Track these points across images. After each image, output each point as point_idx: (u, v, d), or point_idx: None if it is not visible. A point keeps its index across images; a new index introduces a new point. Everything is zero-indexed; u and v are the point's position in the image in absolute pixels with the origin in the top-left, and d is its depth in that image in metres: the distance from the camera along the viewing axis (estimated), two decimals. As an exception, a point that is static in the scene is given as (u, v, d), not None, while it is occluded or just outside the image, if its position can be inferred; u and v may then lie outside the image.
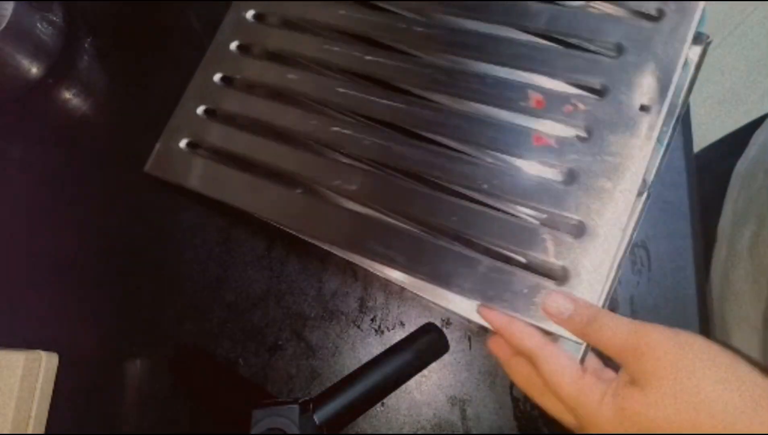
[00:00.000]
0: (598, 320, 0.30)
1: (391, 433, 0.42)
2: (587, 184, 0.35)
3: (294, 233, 0.41)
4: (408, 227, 0.38)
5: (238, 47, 0.47)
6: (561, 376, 0.30)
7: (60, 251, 0.48)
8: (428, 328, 0.41)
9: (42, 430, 0.43)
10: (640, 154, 0.35)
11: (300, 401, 0.37)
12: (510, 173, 0.37)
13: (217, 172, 0.43)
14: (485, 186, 0.37)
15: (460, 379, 0.42)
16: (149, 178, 0.49)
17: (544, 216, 0.36)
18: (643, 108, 0.36)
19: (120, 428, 0.43)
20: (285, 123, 0.43)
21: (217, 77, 0.46)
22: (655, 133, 0.35)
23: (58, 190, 0.50)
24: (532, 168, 0.37)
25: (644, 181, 0.35)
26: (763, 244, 0.41)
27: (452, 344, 0.42)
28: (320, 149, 0.42)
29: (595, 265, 0.33)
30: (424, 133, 0.40)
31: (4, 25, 0.47)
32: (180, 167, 0.44)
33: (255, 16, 0.48)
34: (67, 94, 0.52)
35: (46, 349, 0.44)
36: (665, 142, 0.37)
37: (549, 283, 0.34)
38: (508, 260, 0.36)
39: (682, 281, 0.43)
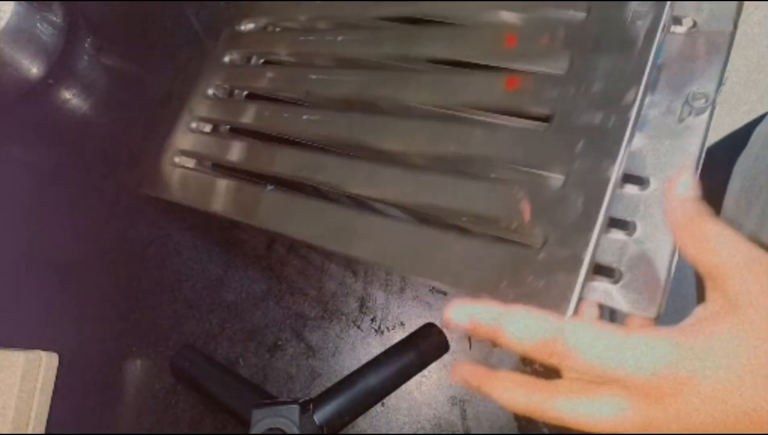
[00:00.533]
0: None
1: (391, 433, 0.42)
2: (570, 125, 0.29)
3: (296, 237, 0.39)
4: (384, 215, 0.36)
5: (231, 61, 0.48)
6: (600, 342, 0.23)
7: (60, 251, 0.48)
8: (428, 328, 0.41)
9: (42, 430, 0.43)
10: (635, 72, 0.28)
11: (300, 401, 0.37)
12: (482, 129, 0.33)
13: (210, 184, 0.43)
14: (452, 148, 0.33)
15: (460, 379, 0.42)
16: (149, 178, 0.49)
17: (524, 173, 0.31)
18: (636, 16, 0.29)
19: (120, 428, 0.43)
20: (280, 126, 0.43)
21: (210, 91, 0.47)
22: (654, 45, 0.28)
23: (58, 190, 0.50)
24: (506, 119, 0.33)
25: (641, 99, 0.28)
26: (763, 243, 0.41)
27: (452, 344, 0.42)
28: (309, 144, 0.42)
29: (582, 216, 0.28)
30: (388, 102, 0.38)
31: (3, 25, 0.47)
32: (174, 184, 0.44)
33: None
34: (67, 94, 0.52)
35: (46, 349, 0.44)
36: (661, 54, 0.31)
37: (528, 252, 0.29)
38: (482, 233, 0.31)
39: (682, 281, 0.43)
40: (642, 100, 0.28)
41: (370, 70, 0.40)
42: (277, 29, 0.48)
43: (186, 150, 0.46)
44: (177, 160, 0.46)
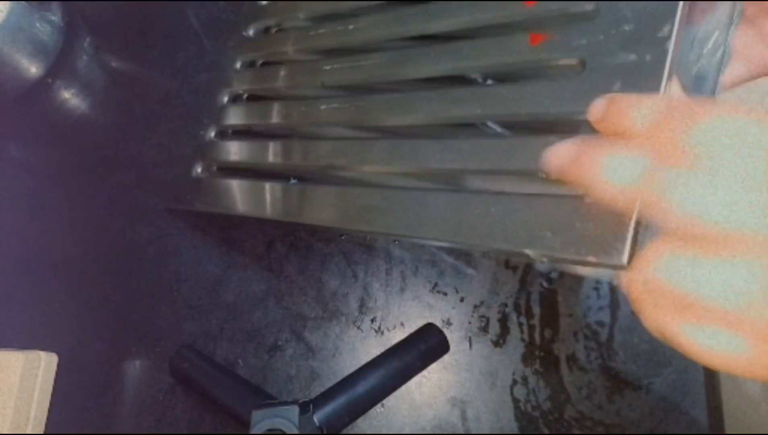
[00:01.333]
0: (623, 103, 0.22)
1: (391, 433, 0.42)
2: (604, 67, 0.27)
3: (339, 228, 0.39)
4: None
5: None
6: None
7: (60, 251, 0.48)
8: (428, 328, 0.41)
9: (41, 430, 0.43)
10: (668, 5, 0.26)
11: (300, 402, 0.37)
12: (509, 87, 0.31)
13: (243, 187, 0.42)
14: (478, 111, 0.31)
15: (461, 380, 0.42)
16: (149, 178, 0.49)
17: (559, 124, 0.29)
18: None
19: (120, 428, 0.43)
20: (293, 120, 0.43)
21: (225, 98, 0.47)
22: None
23: (58, 190, 0.49)
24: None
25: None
26: None
27: (452, 345, 0.42)
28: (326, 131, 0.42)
29: None
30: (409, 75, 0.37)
31: (3, 25, 0.47)
32: (206, 194, 0.44)
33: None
34: (67, 94, 0.52)
35: (46, 349, 0.44)
36: None
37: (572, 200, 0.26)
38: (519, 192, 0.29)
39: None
40: (679, 33, 0.26)
41: (385, 51, 0.39)
42: (282, 29, 0.48)
43: (210, 158, 0.45)
44: (199, 170, 0.45)
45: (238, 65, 0.48)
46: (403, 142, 0.35)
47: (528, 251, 0.27)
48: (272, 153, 0.42)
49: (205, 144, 0.46)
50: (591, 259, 0.24)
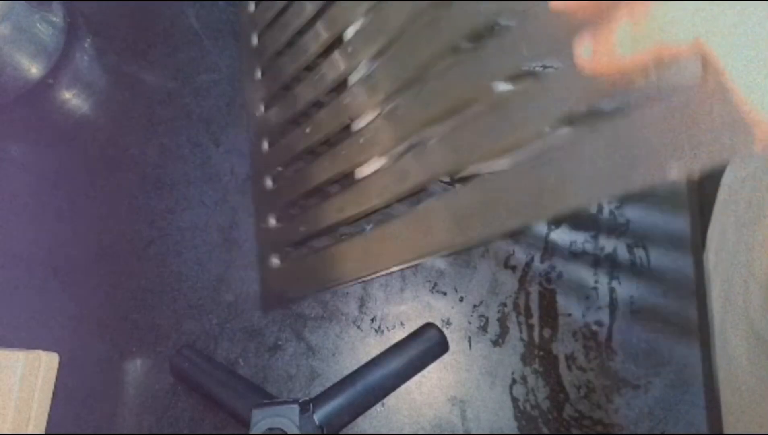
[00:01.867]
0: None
1: (391, 433, 0.42)
2: None
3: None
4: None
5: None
6: None
7: (60, 251, 0.48)
8: (428, 329, 0.41)
9: (42, 430, 0.43)
10: None
11: (300, 401, 0.37)
12: None
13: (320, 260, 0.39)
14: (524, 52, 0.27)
15: (460, 380, 0.42)
16: (149, 178, 0.49)
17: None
18: None
19: (120, 428, 0.43)
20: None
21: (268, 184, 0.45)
22: None
23: (58, 190, 0.50)
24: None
25: None
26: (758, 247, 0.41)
27: (452, 344, 0.42)
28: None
29: None
30: None
31: (3, 25, 0.47)
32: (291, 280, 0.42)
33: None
34: (67, 94, 0.52)
35: (46, 349, 0.44)
36: None
37: None
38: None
39: (682, 281, 0.43)
40: None
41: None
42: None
43: (281, 245, 0.43)
44: (277, 261, 0.43)
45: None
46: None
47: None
48: (334, 209, 0.39)
49: (271, 234, 0.43)
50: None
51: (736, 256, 0.46)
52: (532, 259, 0.44)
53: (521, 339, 0.43)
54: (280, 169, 0.45)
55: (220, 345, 0.44)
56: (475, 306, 0.44)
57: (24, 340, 0.45)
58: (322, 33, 0.42)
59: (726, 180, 0.51)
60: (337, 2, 0.40)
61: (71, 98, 0.52)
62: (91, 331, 0.46)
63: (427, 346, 0.40)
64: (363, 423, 0.42)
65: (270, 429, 0.35)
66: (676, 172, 0.24)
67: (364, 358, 0.40)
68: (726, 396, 0.40)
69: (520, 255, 0.44)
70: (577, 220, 0.45)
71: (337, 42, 0.41)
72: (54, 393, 0.44)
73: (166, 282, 0.46)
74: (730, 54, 0.20)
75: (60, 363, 0.45)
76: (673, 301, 0.43)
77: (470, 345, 0.43)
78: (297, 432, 0.35)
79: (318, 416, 0.37)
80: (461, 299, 0.44)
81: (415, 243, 0.31)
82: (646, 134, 0.25)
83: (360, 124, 0.38)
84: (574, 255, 0.44)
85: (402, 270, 0.45)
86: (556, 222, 0.45)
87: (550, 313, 0.43)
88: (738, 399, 0.40)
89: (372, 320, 0.44)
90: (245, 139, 0.49)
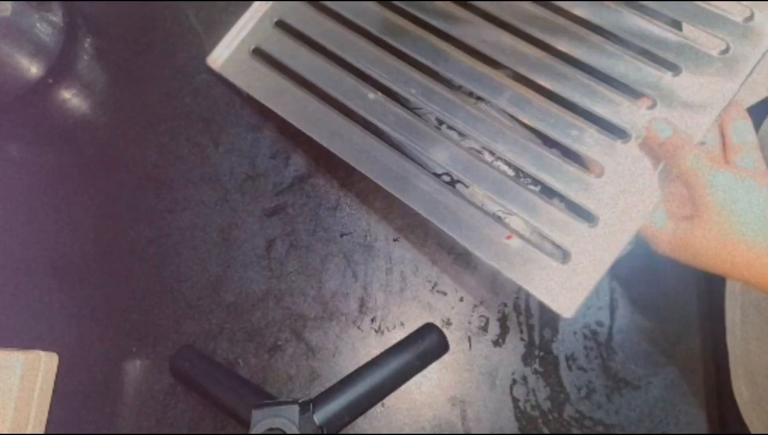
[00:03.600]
0: (685, 149, 0.35)
1: (391, 433, 0.42)
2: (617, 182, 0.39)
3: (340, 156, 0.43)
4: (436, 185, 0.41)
5: None
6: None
7: (60, 251, 0.48)
8: (428, 329, 0.41)
9: (42, 430, 0.43)
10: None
11: (300, 401, 0.37)
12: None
13: (277, 84, 0.47)
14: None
15: (461, 380, 0.42)
16: (149, 178, 0.49)
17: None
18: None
19: (120, 428, 0.43)
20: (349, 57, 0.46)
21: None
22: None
23: (58, 190, 0.50)
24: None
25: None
26: None
27: (452, 344, 0.42)
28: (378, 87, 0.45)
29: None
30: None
31: (3, 25, 0.47)
32: (243, 71, 0.48)
33: None
34: (67, 94, 0.52)
35: (46, 349, 0.44)
36: None
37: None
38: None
39: (682, 281, 0.43)
40: None
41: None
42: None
43: (263, 49, 0.48)
44: (251, 53, 0.49)
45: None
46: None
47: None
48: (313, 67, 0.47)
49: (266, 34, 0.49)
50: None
51: None
52: (532, 259, 0.44)
53: (522, 339, 0.43)
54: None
55: (220, 345, 0.44)
56: (475, 306, 0.44)
57: (24, 340, 0.45)
58: None
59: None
60: None
61: (71, 98, 0.52)
62: (91, 331, 0.46)
63: (427, 346, 0.40)
64: (363, 423, 0.42)
65: (270, 429, 0.35)
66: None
67: (364, 358, 0.40)
68: (740, 389, 0.40)
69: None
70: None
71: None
72: (54, 393, 0.44)
73: (166, 282, 0.46)
74: None
75: (60, 363, 0.45)
76: (673, 301, 0.43)
77: (470, 345, 0.43)
78: (297, 432, 0.35)
79: (318, 416, 0.37)
80: (461, 299, 0.44)
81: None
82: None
83: None
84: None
85: (402, 270, 0.45)
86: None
87: (550, 313, 0.43)
88: (754, 392, 0.39)
89: (372, 320, 0.44)
90: (245, 139, 0.49)
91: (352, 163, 0.43)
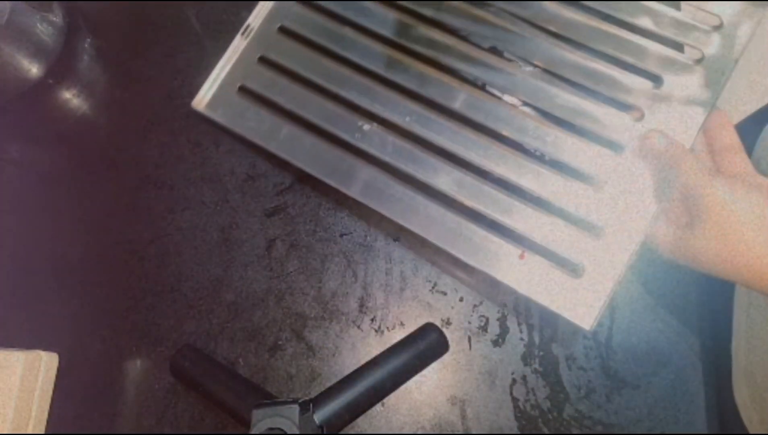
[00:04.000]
0: (683, 158, 0.36)
1: (391, 433, 0.42)
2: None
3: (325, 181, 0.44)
4: (430, 202, 0.43)
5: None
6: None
7: (60, 251, 0.48)
8: (428, 328, 0.41)
9: (42, 430, 0.43)
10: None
11: (300, 401, 0.37)
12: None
13: (270, 122, 0.47)
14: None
15: (460, 379, 0.42)
16: (149, 178, 0.49)
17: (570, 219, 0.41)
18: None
19: (120, 428, 0.43)
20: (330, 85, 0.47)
21: (275, 28, 0.49)
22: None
23: (58, 190, 0.50)
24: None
25: None
26: None
27: (452, 344, 0.42)
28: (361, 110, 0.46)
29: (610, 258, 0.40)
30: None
31: (3, 25, 0.47)
32: (231, 111, 0.48)
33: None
34: (67, 94, 0.52)
35: (46, 349, 0.44)
36: None
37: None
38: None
39: (682, 281, 0.43)
40: None
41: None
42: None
43: (248, 86, 0.48)
44: (237, 92, 0.48)
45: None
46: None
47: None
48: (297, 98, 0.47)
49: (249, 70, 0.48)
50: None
51: None
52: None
53: (521, 339, 0.43)
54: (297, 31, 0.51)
55: (220, 344, 0.44)
56: (475, 306, 0.44)
57: (24, 340, 0.45)
58: None
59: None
60: None
61: (71, 98, 0.52)
62: (91, 331, 0.46)
63: (427, 346, 0.40)
64: (363, 423, 0.42)
65: (270, 429, 0.35)
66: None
67: (364, 358, 0.40)
68: (741, 388, 0.40)
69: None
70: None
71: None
72: (54, 393, 0.44)
73: (166, 282, 0.46)
74: None
75: (60, 363, 0.45)
76: (672, 301, 0.43)
77: (470, 345, 0.43)
78: (297, 432, 0.35)
79: (318, 416, 0.37)
80: (461, 299, 0.44)
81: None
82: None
83: None
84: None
85: (402, 270, 0.45)
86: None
87: (549, 313, 0.43)
88: (756, 390, 0.39)
89: (372, 320, 0.44)
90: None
91: (357, 198, 0.43)
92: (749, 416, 0.39)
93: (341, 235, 0.46)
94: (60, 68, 0.52)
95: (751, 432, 0.38)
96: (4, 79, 0.50)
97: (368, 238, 0.46)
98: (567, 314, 0.39)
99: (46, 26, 0.51)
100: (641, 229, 0.39)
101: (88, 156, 0.50)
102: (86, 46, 0.53)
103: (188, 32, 0.52)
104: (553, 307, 0.39)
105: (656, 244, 0.38)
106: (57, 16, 0.52)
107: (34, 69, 0.51)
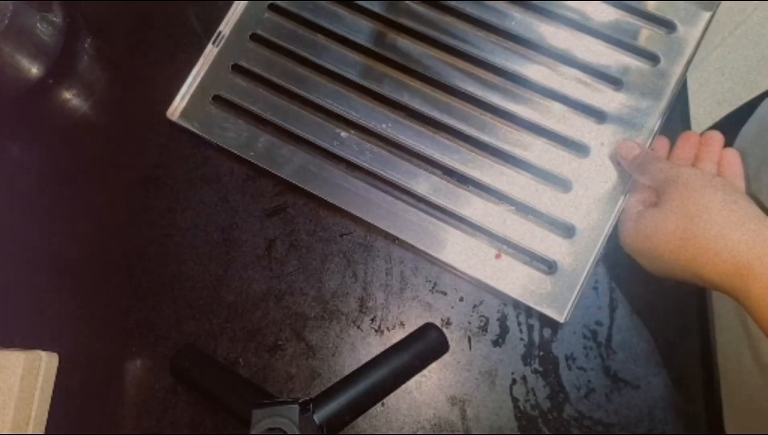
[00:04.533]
0: (652, 161, 0.40)
1: (391, 433, 0.42)
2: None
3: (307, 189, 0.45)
4: (407, 205, 0.44)
5: (269, 7, 0.50)
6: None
7: (60, 251, 0.48)
8: (428, 328, 0.41)
9: (42, 430, 0.43)
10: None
11: (300, 401, 0.37)
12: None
13: (246, 131, 0.47)
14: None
15: (460, 379, 0.42)
16: (149, 178, 0.49)
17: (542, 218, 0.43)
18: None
19: (120, 428, 0.43)
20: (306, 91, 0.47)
21: (247, 36, 0.49)
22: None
23: (58, 190, 0.50)
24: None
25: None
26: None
27: (452, 344, 0.43)
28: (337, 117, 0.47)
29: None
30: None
31: (4, 25, 0.47)
32: (206, 121, 0.48)
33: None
34: (67, 94, 0.52)
35: (46, 349, 0.44)
36: None
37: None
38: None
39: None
40: None
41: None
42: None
43: (222, 95, 0.48)
44: (211, 101, 0.48)
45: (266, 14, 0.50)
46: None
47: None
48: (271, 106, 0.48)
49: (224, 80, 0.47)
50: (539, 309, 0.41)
51: None
52: (532, 259, 0.44)
53: (521, 339, 0.43)
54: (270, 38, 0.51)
55: (220, 344, 0.44)
56: (475, 306, 0.44)
57: (24, 340, 0.45)
58: None
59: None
60: None
61: (71, 98, 0.52)
62: (91, 331, 0.46)
63: (427, 346, 0.40)
64: (363, 423, 0.42)
65: (270, 429, 0.35)
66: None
67: (364, 358, 0.41)
68: (727, 393, 0.40)
69: (520, 255, 0.44)
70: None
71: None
72: (54, 393, 0.44)
73: (166, 282, 0.46)
74: None
75: (60, 363, 0.45)
76: (673, 300, 0.43)
77: (470, 345, 0.43)
78: (297, 432, 0.35)
79: (318, 416, 0.37)
80: (461, 299, 0.44)
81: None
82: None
83: None
84: (574, 255, 0.44)
85: (402, 270, 0.45)
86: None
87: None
88: (741, 398, 0.40)
89: (372, 320, 0.44)
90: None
91: (338, 205, 0.45)
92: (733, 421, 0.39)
93: (341, 235, 0.46)
94: (60, 68, 0.52)
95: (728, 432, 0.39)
96: (4, 79, 0.50)
97: (368, 238, 0.46)
98: (542, 308, 0.41)
99: (46, 26, 0.51)
100: (608, 224, 0.42)
101: (88, 156, 0.50)
102: (86, 46, 0.53)
103: (188, 32, 0.52)
104: (529, 302, 0.41)
105: (623, 224, 0.40)
106: (57, 16, 0.52)
107: (34, 69, 0.51)
